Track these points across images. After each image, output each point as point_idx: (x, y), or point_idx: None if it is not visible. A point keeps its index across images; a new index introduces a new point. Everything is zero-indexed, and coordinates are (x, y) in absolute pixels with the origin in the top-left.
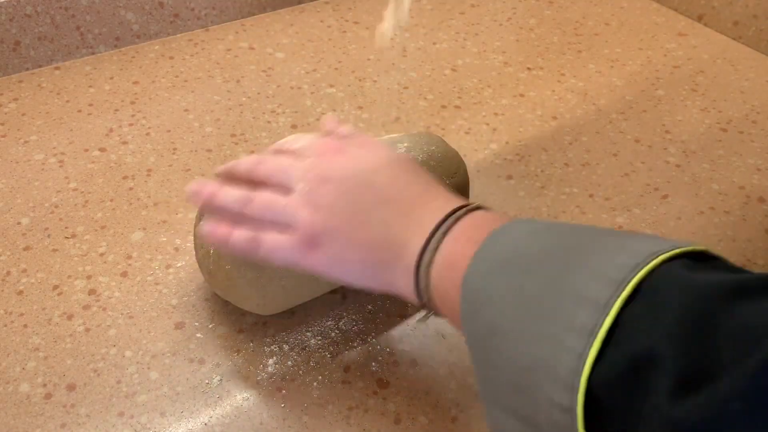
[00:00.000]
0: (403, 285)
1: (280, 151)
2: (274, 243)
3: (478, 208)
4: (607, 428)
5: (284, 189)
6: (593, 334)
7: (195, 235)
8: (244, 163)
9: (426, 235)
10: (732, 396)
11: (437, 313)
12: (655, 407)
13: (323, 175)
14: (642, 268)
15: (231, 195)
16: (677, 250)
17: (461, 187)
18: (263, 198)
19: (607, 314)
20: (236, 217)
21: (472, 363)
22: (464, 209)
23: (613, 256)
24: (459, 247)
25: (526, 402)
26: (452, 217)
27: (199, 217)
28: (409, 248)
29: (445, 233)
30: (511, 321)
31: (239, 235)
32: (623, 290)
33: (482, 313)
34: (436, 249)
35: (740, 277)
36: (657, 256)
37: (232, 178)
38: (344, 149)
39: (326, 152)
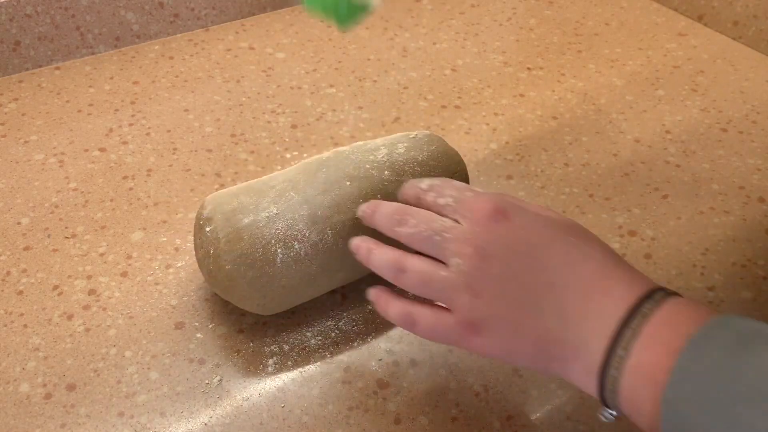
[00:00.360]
0: (583, 384)
1: (426, 199)
2: (431, 325)
3: (666, 294)
4: None
5: (436, 255)
6: None
7: (195, 235)
8: (387, 217)
9: (609, 335)
10: None
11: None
12: None
13: (485, 250)
14: None
15: (383, 260)
16: None
17: None
18: (416, 269)
19: None
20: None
21: None
22: (650, 300)
23: None
24: (653, 356)
25: None
26: (639, 314)
27: (199, 218)
28: (589, 349)
29: (632, 337)
30: None
31: (395, 308)
32: None
33: None
34: (624, 355)
35: None
36: None
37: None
38: (506, 215)
39: (485, 217)
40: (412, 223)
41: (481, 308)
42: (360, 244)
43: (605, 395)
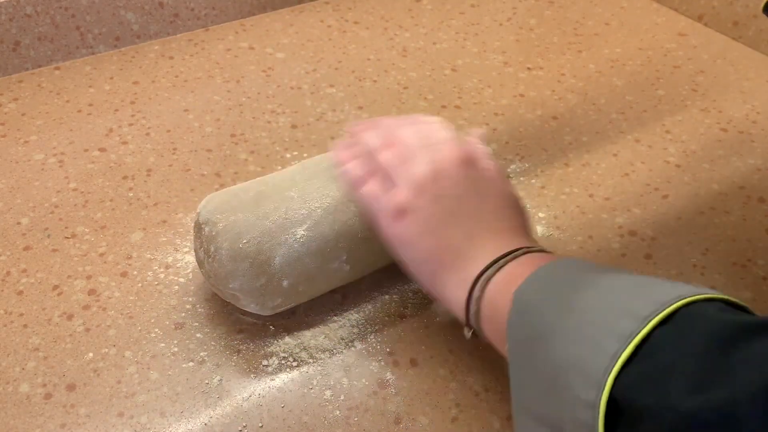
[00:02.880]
0: (453, 295)
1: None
2: (373, 192)
3: (535, 249)
4: (623, 428)
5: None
6: (629, 339)
7: (194, 235)
8: (373, 135)
9: (492, 258)
10: (744, 393)
11: (477, 331)
12: (670, 406)
13: (447, 172)
14: (684, 299)
15: (370, 140)
16: (719, 296)
17: None
18: (390, 155)
19: (645, 325)
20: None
21: (510, 373)
22: (536, 248)
23: (663, 287)
24: (521, 269)
25: (555, 403)
26: (522, 250)
27: (198, 218)
28: (475, 263)
29: (511, 259)
30: (555, 325)
31: (354, 166)
32: (664, 310)
33: (529, 319)
34: (500, 268)
35: (766, 318)
36: (700, 295)
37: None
38: (475, 167)
39: (461, 158)
40: (396, 147)
41: (416, 201)
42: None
43: (469, 304)
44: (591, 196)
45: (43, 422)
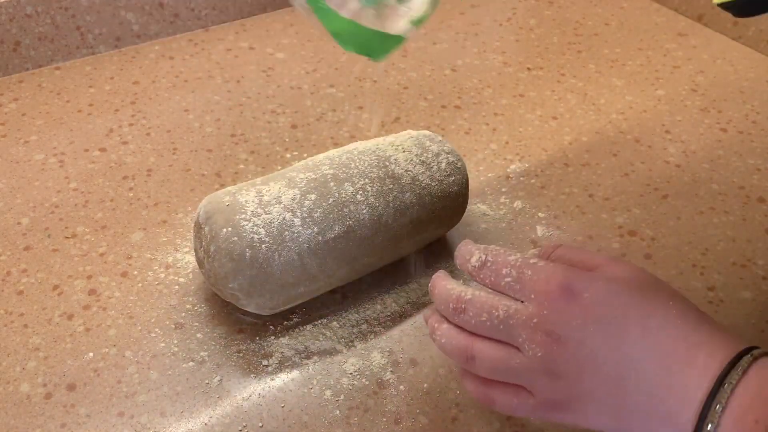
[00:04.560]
0: None
1: (481, 278)
2: (511, 405)
3: (752, 357)
4: None
5: (506, 341)
6: None
7: (194, 236)
8: (445, 305)
9: (696, 409)
10: None
11: None
12: None
13: (557, 333)
14: None
15: (451, 345)
16: None
17: (461, 187)
18: (487, 357)
19: None
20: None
21: None
22: (737, 368)
23: None
24: (744, 429)
25: None
26: (726, 384)
27: (198, 218)
28: (676, 423)
29: (721, 411)
30: None
31: (471, 386)
32: None
33: None
34: (715, 430)
35: None
36: None
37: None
38: (574, 292)
39: (552, 298)
40: (471, 313)
41: (563, 390)
42: (428, 318)
43: None
44: (591, 196)
45: (43, 422)
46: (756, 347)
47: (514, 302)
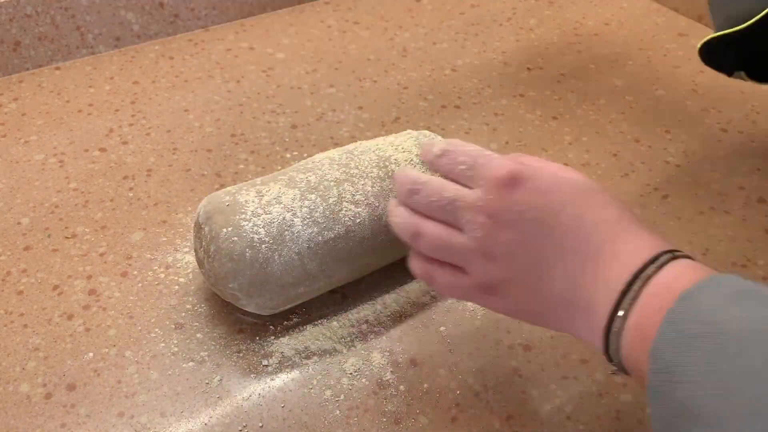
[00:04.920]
0: (590, 341)
1: (439, 164)
2: (448, 283)
3: (672, 257)
4: None
5: (452, 222)
6: None
7: (194, 236)
8: (401, 186)
9: (614, 297)
10: None
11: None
12: None
13: (497, 218)
14: None
15: (402, 223)
16: None
17: None
18: (432, 234)
19: None
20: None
21: None
22: (654, 264)
23: None
24: (648, 316)
25: None
26: (640, 278)
27: (198, 218)
28: (595, 311)
29: (633, 300)
30: (709, 409)
31: (416, 264)
32: None
33: (673, 392)
34: (624, 317)
35: None
36: None
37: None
38: (519, 181)
39: (498, 185)
40: (424, 193)
41: (495, 272)
42: (390, 207)
43: (610, 354)
44: None
45: (43, 422)
46: (679, 251)
47: (465, 188)
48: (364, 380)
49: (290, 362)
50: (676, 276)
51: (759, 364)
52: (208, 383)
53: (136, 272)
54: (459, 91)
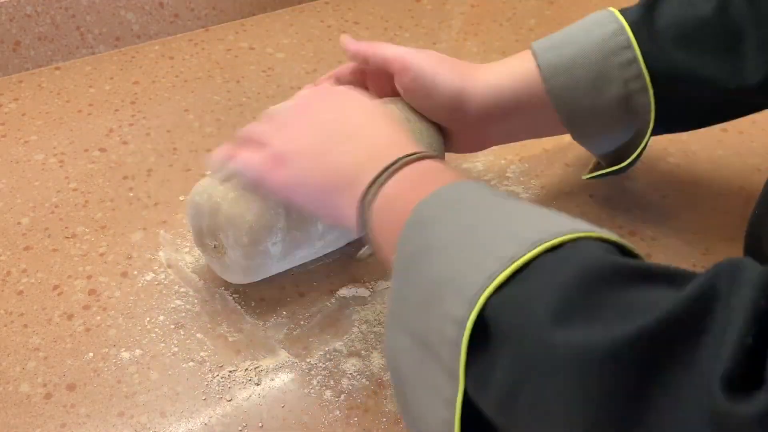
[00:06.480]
0: (349, 213)
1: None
2: (246, 158)
3: (428, 158)
4: (486, 349)
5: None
6: (510, 262)
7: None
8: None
9: (378, 171)
10: (602, 341)
11: (371, 245)
12: (531, 333)
13: (302, 111)
14: (576, 233)
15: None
16: (615, 238)
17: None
18: (250, 127)
19: (529, 250)
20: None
21: (391, 285)
22: (415, 156)
23: (560, 220)
24: (401, 189)
25: (427, 318)
26: (402, 160)
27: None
28: (360, 180)
29: (392, 173)
30: (444, 241)
31: (220, 150)
32: (552, 240)
33: (421, 233)
34: (381, 185)
35: (643, 265)
36: (594, 233)
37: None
38: (328, 96)
39: (311, 97)
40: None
41: (288, 144)
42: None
43: (364, 222)
44: (591, 196)
45: (43, 422)
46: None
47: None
48: (364, 380)
49: (290, 362)
50: (430, 169)
51: (484, 227)
52: (208, 383)
53: (136, 272)
54: None
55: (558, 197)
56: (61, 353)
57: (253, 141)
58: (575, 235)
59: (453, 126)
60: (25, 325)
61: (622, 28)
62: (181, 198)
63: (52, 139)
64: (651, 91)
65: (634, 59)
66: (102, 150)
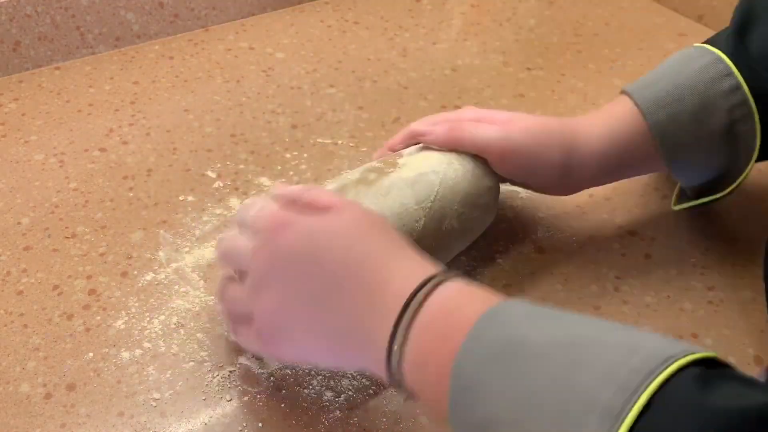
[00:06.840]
0: (380, 374)
1: (241, 221)
2: (243, 338)
3: (439, 281)
4: None
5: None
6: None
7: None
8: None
9: (390, 327)
10: None
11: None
12: None
13: (268, 259)
14: (656, 377)
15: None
16: (690, 357)
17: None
18: (229, 290)
19: (619, 427)
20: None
21: None
22: (422, 291)
23: (625, 357)
24: (427, 342)
25: None
26: (413, 303)
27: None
28: (376, 342)
29: (408, 327)
30: (512, 418)
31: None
32: (636, 401)
33: (477, 408)
34: (402, 344)
35: (751, 404)
36: (670, 364)
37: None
38: (290, 222)
39: (273, 226)
40: (221, 248)
41: (271, 318)
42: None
43: (399, 386)
44: (591, 196)
45: (43, 422)
46: (443, 274)
47: (251, 240)
48: (364, 380)
49: (290, 362)
50: (448, 301)
51: (558, 371)
52: (208, 383)
53: (136, 272)
54: (459, 91)
55: (558, 198)
56: (61, 353)
57: (236, 304)
58: (655, 387)
59: (555, 192)
60: (25, 325)
61: (720, 57)
62: (180, 198)
63: (52, 139)
64: (756, 117)
65: (738, 86)
66: (102, 150)
